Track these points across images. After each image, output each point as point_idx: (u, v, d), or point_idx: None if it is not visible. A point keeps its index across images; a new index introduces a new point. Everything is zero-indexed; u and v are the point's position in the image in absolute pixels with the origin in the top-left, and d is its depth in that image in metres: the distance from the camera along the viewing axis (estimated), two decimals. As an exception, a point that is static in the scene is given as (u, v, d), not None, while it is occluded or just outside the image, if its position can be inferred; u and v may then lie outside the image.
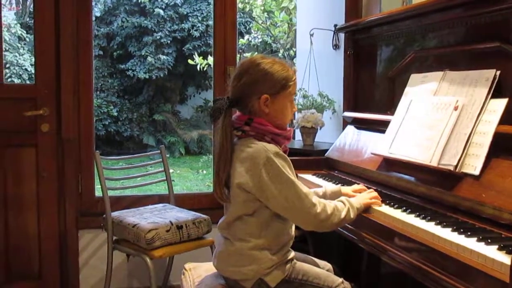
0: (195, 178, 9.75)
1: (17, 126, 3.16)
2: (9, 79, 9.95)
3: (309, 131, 3.40)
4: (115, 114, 11.24)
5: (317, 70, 3.84)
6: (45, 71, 3.19)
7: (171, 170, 3.43)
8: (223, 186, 1.91)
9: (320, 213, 1.84)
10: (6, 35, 9.88)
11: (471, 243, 1.51)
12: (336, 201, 1.95)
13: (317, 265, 2.14)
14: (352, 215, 1.92)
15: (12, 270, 3.22)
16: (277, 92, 1.91)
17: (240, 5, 7.47)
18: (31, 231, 3.22)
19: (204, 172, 9.99)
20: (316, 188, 2.18)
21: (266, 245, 1.89)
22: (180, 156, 11.40)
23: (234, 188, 1.87)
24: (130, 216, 2.98)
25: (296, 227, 2.02)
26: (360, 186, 2.24)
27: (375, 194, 2.06)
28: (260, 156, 1.82)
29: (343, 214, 1.89)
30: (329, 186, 2.19)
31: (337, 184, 2.46)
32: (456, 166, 1.86)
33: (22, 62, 10.32)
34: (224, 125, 1.90)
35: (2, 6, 3.09)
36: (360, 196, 2.06)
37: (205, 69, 8.39)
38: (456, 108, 1.98)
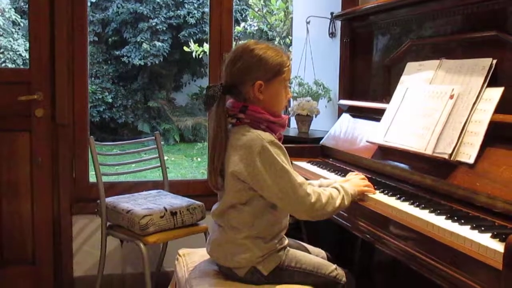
0: (190, 165, 9.76)
1: (11, 110, 3.14)
2: (3, 64, 9.91)
3: (304, 119, 3.39)
4: (110, 100, 11.23)
5: (313, 58, 3.82)
6: (40, 56, 3.16)
7: (165, 157, 3.42)
8: (217, 174, 1.90)
9: (315, 203, 1.83)
10: (0, 20, 9.82)
11: (465, 230, 1.51)
12: (330, 188, 1.95)
13: (310, 253, 2.15)
14: (346, 202, 1.91)
15: (6, 255, 3.22)
16: (271, 78, 1.90)
17: (236, -8, 7.43)
18: (24, 216, 3.22)
19: (199, 159, 10.00)
20: (312, 181, 2.16)
21: (259, 235, 1.89)
22: (174, 143, 11.42)
23: (228, 176, 1.86)
24: (124, 202, 2.98)
25: (290, 215, 2.02)
26: (355, 173, 2.23)
27: (368, 182, 2.06)
28: (255, 145, 1.81)
29: (337, 202, 1.88)
30: (325, 182, 2.18)
31: (331, 172, 2.46)
32: (451, 155, 1.86)
33: (16, 47, 10.26)
34: (218, 112, 1.89)
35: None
36: (353, 181, 2.04)
37: (200, 56, 8.36)
38: (451, 97, 1.98)
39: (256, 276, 1.90)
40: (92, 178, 3.26)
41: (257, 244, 1.89)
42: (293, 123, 3.54)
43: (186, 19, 11.21)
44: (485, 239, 1.43)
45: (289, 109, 3.50)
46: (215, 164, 1.89)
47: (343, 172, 2.36)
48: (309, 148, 2.94)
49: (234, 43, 3.54)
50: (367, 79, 2.88)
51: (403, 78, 2.38)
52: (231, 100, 1.94)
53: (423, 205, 1.78)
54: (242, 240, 1.88)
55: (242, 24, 9.11)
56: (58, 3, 3.15)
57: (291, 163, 1.92)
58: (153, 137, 3.39)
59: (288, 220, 2.01)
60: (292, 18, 5.73)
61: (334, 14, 3.45)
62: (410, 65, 2.37)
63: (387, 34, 2.69)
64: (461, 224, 1.57)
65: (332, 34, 3.62)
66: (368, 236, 1.92)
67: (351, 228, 2.05)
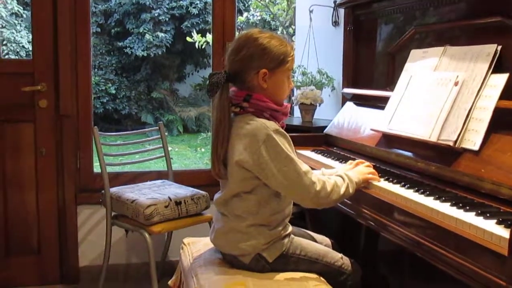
0: (194, 156, 9.77)
1: (14, 101, 3.15)
2: (6, 56, 9.90)
3: (308, 108, 3.38)
4: (113, 91, 11.22)
5: (317, 47, 3.81)
6: (43, 47, 3.16)
7: (169, 148, 3.43)
8: (220, 163, 1.90)
9: (320, 191, 1.83)
10: (2, 12, 9.82)
11: (470, 217, 1.51)
12: (335, 176, 1.94)
13: (316, 241, 2.15)
14: (351, 190, 1.91)
15: (11, 245, 3.23)
16: (275, 67, 1.89)
17: (239, -18, 7.40)
18: (30, 207, 3.23)
19: (203, 150, 10.01)
20: (314, 170, 2.16)
21: (264, 222, 1.89)
22: (178, 134, 11.42)
23: (233, 165, 1.86)
24: (129, 192, 2.98)
25: (294, 204, 2.02)
26: (357, 160, 2.23)
27: (372, 169, 2.06)
28: (260, 133, 1.81)
29: (342, 190, 1.89)
30: (327, 171, 2.18)
31: (335, 160, 2.46)
32: (455, 142, 1.86)
33: (19, 39, 10.25)
34: (222, 100, 1.88)
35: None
36: (358, 170, 2.04)
37: (203, 46, 8.35)
38: (456, 84, 1.97)
39: (261, 264, 1.90)
40: (97, 169, 3.27)
41: (262, 231, 1.89)
42: (297, 112, 3.53)
43: (189, 9, 11.17)
44: (490, 226, 1.43)
45: (293, 98, 3.49)
46: (218, 153, 1.89)
47: (347, 161, 2.35)
48: (313, 137, 2.93)
49: (236, 33, 3.54)
50: (370, 67, 2.87)
51: (407, 65, 2.36)
52: (234, 88, 1.94)
53: (427, 192, 1.77)
54: (246, 228, 1.88)
55: (245, 14, 9.09)
56: (61, -7, 3.15)
57: (295, 152, 1.92)
58: (157, 127, 3.39)
59: (291, 207, 2.01)
60: (295, 7, 5.70)
61: (337, 3, 3.44)
62: (414, 53, 2.36)
63: (390, 21, 2.68)
64: (466, 210, 1.57)
65: (335, 23, 3.61)
66: (372, 223, 1.92)
67: (355, 216, 2.05)
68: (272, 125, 1.84)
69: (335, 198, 1.87)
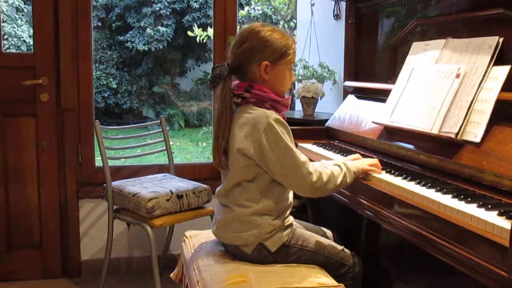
0: (195, 150, 9.77)
1: (16, 95, 3.15)
2: (7, 51, 9.89)
3: (310, 101, 3.38)
4: (115, 86, 11.21)
5: (318, 41, 3.81)
6: (44, 41, 3.16)
7: (170, 143, 3.43)
8: (221, 153, 1.92)
9: (316, 182, 1.87)
10: (3, 6, 9.80)
11: (472, 209, 1.51)
12: (333, 165, 1.96)
13: (318, 232, 2.16)
14: (348, 179, 1.94)
15: (13, 239, 3.24)
16: (277, 59, 1.93)
17: (240, -24, 7.38)
18: (31, 201, 3.24)
19: (204, 144, 10.01)
20: (314, 162, 2.17)
21: (266, 211, 1.91)
22: (179, 129, 11.42)
23: (234, 153, 1.88)
24: (131, 185, 2.98)
25: (296, 196, 2.03)
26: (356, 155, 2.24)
27: (376, 162, 2.06)
28: (261, 122, 1.84)
29: (339, 180, 1.91)
30: (326, 163, 2.19)
31: (337, 153, 2.46)
32: (457, 134, 1.85)
33: (20, 33, 10.24)
34: (224, 91, 1.92)
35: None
36: (359, 161, 2.06)
37: (204, 41, 8.31)
38: (458, 76, 1.97)
39: (263, 253, 1.91)
40: (98, 163, 3.27)
41: (264, 220, 1.90)
42: (298, 105, 3.53)
43: (190, 3, 11.15)
44: (492, 217, 1.43)
45: (294, 91, 3.49)
46: (219, 142, 1.91)
47: (349, 154, 2.35)
48: (315, 130, 2.93)
49: (238, 27, 3.53)
50: (372, 60, 2.86)
51: (409, 58, 2.36)
52: (236, 81, 1.97)
53: (429, 185, 1.77)
54: (249, 217, 1.90)
55: (246, 8, 9.06)
56: (62, -13, 3.15)
57: (296, 145, 1.93)
58: (158, 121, 3.39)
59: (292, 197, 2.02)
60: (296, 1, 5.69)
61: (338, -4, 3.43)
62: (416, 45, 2.36)
63: (392, 14, 2.67)
64: (467, 202, 1.57)
65: (337, 16, 3.60)
66: (374, 215, 1.92)
67: (357, 208, 2.05)
68: (273, 114, 1.88)
69: (331, 188, 1.90)
